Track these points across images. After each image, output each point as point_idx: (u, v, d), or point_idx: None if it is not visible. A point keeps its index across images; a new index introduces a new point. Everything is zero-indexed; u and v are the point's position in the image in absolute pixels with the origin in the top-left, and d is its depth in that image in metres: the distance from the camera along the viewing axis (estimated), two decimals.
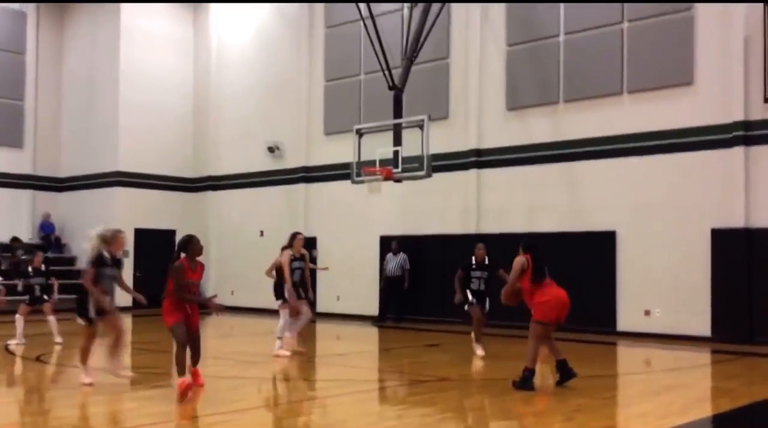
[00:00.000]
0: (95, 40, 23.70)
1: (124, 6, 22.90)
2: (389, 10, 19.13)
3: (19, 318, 13.33)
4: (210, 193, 23.84)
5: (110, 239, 9.33)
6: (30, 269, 13.86)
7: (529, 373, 9.08)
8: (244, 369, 11.31)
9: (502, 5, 17.76)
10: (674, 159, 15.20)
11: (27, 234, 23.33)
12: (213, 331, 17.29)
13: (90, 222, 23.53)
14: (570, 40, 16.73)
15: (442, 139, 17.54)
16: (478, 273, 12.25)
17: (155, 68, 23.49)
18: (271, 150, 21.98)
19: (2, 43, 23.35)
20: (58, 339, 13.30)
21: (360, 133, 16.75)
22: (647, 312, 15.37)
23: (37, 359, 11.80)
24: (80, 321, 9.55)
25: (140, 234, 22.67)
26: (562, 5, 16.78)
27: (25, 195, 23.72)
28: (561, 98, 16.83)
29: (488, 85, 17.91)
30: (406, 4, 18.41)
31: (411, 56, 16.93)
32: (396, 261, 18.64)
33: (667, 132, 15.30)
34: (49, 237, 23.73)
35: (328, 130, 20.95)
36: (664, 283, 15.17)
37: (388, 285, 18.78)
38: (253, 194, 22.73)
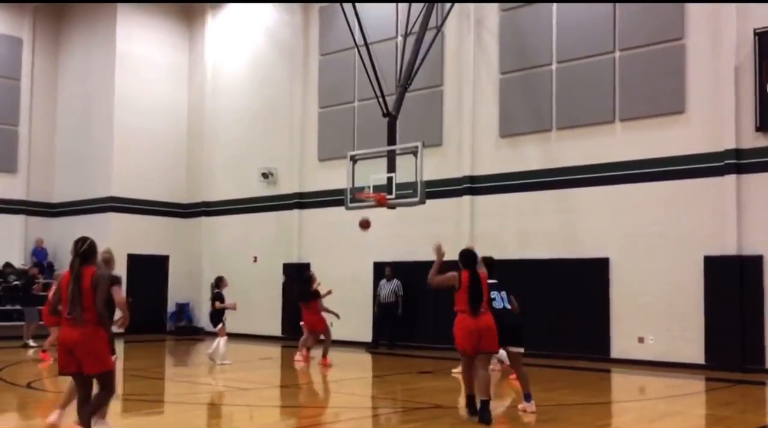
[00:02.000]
0: (90, 66, 23.80)
1: (119, 32, 23.02)
2: (384, 38, 19.30)
3: None
4: (203, 219, 23.83)
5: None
6: None
7: (468, 399, 8.83)
8: (236, 396, 11.25)
9: (495, 33, 17.93)
10: (666, 187, 15.28)
11: (20, 260, 23.24)
12: (204, 358, 17.18)
13: None
14: (562, 68, 16.88)
15: (435, 166, 17.62)
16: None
17: (150, 94, 23.58)
18: (265, 176, 22.02)
19: None
20: None
21: (354, 160, 16.79)
22: (641, 339, 15.35)
23: (28, 386, 11.72)
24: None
25: (133, 259, 22.60)
26: (554, 34, 16.95)
27: (18, 220, 23.66)
28: (554, 126, 16.94)
29: (481, 112, 18.03)
30: (400, 33, 18.60)
31: (405, 84, 17.03)
32: (389, 288, 18.62)
33: (659, 160, 15.40)
34: (42, 264, 23.62)
35: (322, 157, 21.02)
36: (657, 310, 15.18)
37: (382, 312, 18.75)
38: (247, 220, 22.74)
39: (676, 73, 15.29)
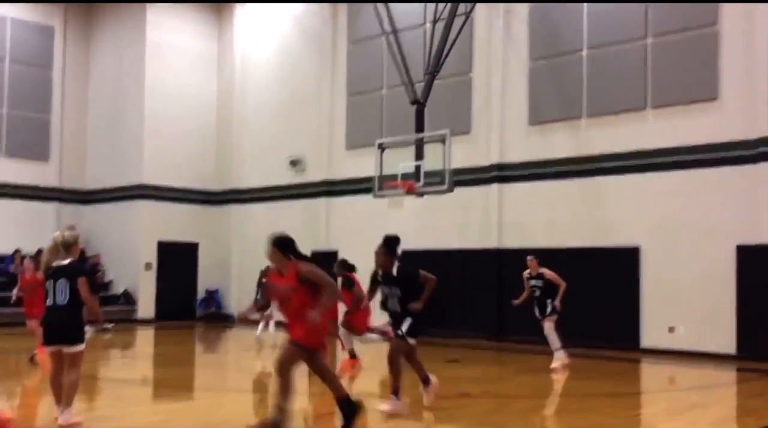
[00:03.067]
0: (121, 55, 23.99)
1: (149, 22, 23.18)
2: (412, 25, 19.20)
3: None
4: (233, 207, 23.96)
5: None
6: None
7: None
8: (264, 383, 11.32)
9: (525, 20, 17.76)
10: (698, 174, 15.07)
11: None
12: (235, 344, 17.35)
13: (114, 234, 24.21)
14: (593, 54, 16.68)
15: (463, 154, 17.52)
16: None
17: (180, 83, 23.73)
18: (293, 163, 22.08)
19: (30, 57, 23.68)
20: None
21: (382, 148, 16.78)
22: (671, 329, 15.20)
23: None
24: None
25: (163, 246, 22.84)
26: (585, 20, 16.75)
27: (50, 208, 23.96)
28: (584, 113, 16.76)
29: (510, 99, 17.89)
30: (428, 20, 18.50)
31: (433, 71, 16.95)
32: None
33: (691, 147, 15.18)
34: None
35: (350, 144, 21.01)
36: (688, 300, 15.01)
37: None
38: (275, 208, 22.82)
39: (709, 59, 15.04)
